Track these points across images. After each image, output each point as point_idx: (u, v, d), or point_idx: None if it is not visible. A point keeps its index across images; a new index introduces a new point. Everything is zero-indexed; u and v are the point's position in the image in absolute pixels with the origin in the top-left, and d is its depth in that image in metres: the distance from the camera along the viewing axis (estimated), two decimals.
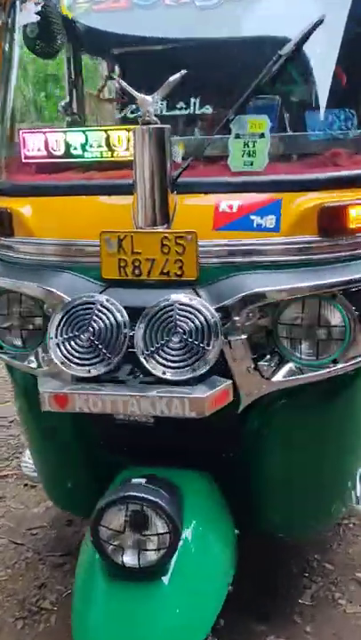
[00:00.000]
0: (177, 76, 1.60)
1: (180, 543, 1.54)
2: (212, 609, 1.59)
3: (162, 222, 1.63)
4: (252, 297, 1.59)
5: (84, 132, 1.83)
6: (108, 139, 1.80)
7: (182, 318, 1.53)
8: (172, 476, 1.71)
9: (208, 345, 1.51)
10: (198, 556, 1.63)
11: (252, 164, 1.68)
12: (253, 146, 1.68)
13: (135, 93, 1.59)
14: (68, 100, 2.83)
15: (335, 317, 1.62)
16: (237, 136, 1.69)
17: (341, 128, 1.77)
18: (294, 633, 2.14)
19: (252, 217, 1.63)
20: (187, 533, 1.59)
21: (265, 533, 1.99)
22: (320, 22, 1.64)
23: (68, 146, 1.84)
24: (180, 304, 1.54)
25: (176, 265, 1.63)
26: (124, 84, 1.67)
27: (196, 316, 1.53)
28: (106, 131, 1.81)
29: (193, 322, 1.52)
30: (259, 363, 1.65)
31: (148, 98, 1.58)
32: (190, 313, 1.53)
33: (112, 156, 1.79)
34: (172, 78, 1.60)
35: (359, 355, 1.66)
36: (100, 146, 1.82)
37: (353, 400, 1.82)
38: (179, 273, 1.63)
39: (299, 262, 1.64)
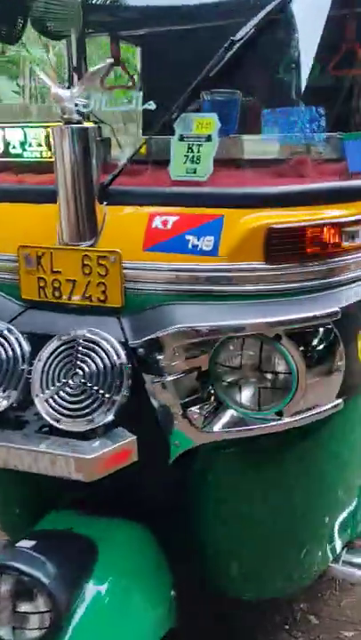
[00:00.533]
0: (101, 65, 1.35)
1: (84, 605, 1.34)
2: None
3: (88, 238, 1.41)
4: (179, 333, 1.33)
5: (22, 127, 1.62)
6: (48, 137, 1.58)
7: (84, 357, 1.30)
8: (95, 525, 1.50)
9: (110, 392, 1.28)
10: (109, 617, 1.42)
11: (195, 172, 1.41)
12: (198, 150, 1.40)
13: (52, 86, 1.35)
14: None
15: (280, 363, 1.34)
16: (181, 138, 1.42)
17: (306, 130, 1.45)
18: None
19: (188, 237, 1.36)
20: (93, 593, 1.38)
21: (216, 594, 1.75)
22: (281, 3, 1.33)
23: (6, 144, 1.64)
24: (84, 339, 1.31)
25: (99, 289, 1.40)
26: (43, 75, 1.43)
27: (99, 356, 1.29)
28: (46, 127, 1.59)
29: (95, 362, 1.29)
30: (191, 409, 1.40)
31: (66, 92, 1.34)
32: (93, 351, 1.30)
33: (49, 157, 1.57)
34: (94, 68, 1.35)
35: (310, 408, 1.37)
36: (39, 145, 1.61)
37: (312, 451, 1.53)
38: (102, 298, 1.40)
39: (240, 293, 1.36)
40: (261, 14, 1.33)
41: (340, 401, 1.40)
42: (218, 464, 1.52)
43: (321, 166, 1.43)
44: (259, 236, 1.32)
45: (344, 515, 1.76)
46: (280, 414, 1.36)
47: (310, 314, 1.32)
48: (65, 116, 1.35)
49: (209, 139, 1.39)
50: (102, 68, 1.35)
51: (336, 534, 1.78)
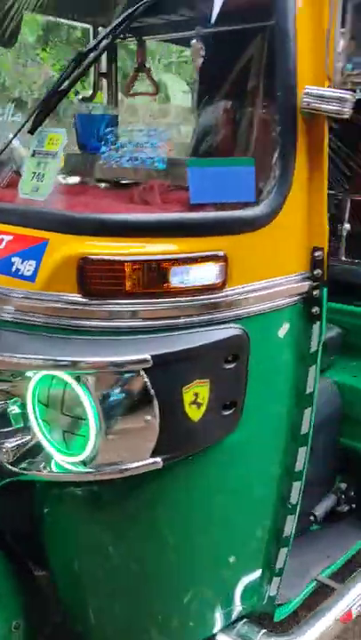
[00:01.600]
0: None
1: None
2: None
3: None
4: None
5: None
6: None
7: None
8: None
9: None
10: None
11: (37, 191, 1.31)
12: (44, 167, 1.31)
13: None
14: (90, 93, 2.60)
15: (77, 408, 1.20)
16: (33, 154, 1.34)
17: (148, 154, 1.28)
18: None
19: (14, 259, 1.28)
20: None
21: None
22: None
23: None
24: None
25: None
26: None
27: None
28: None
29: None
30: (4, 442, 1.31)
31: None
32: None
33: None
34: None
35: (116, 463, 1.21)
36: None
37: (145, 511, 1.36)
38: None
39: (51, 326, 1.24)
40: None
41: (157, 459, 1.22)
42: (51, 502, 1.41)
43: (170, 194, 1.25)
44: (72, 266, 1.19)
45: (216, 585, 1.55)
46: (84, 463, 1.23)
47: (112, 358, 1.17)
48: None
49: (54, 156, 1.29)
50: None
51: (212, 605, 1.58)
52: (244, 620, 1.66)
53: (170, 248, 1.18)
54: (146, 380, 1.17)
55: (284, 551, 1.61)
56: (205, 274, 1.21)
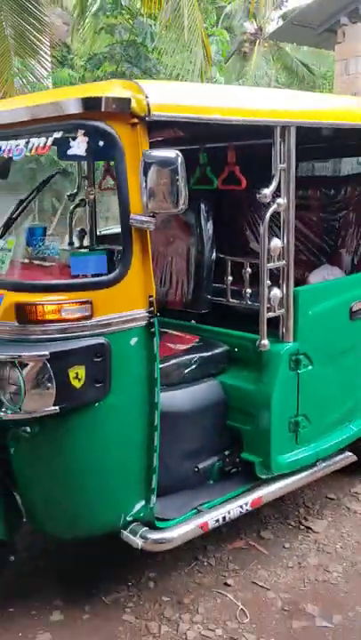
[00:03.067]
0: None
1: None
2: None
3: None
4: None
5: None
6: None
7: None
8: None
9: None
10: None
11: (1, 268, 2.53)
12: (4, 256, 2.53)
13: None
14: (75, 191, 3.88)
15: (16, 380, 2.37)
16: (1, 248, 2.56)
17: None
18: None
19: None
20: None
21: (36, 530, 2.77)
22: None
23: None
24: None
25: None
26: None
27: None
28: None
29: None
30: None
31: None
32: None
33: None
34: None
35: (35, 410, 2.37)
36: None
37: (59, 437, 2.49)
38: None
39: (4, 338, 2.43)
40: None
41: (56, 407, 2.37)
42: (11, 437, 2.57)
43: (63, 269, 2.44)
44: (12, 308, 2.38)
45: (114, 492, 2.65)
46: (20, 409, 2.39)
47: (29, 353, 2.33)
48: None
49: (10, 250, 2.51)
50: None
51: (119, 505, 2.66)
52: (135, 523, 2.74)
53: (61, 297, 2.36)
54: (47, 364, 2.32)
55: (154, 477, 2.69)
56: (80, 310, 2.38)
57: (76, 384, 2.39)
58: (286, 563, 3.21)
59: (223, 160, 3.34)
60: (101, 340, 2.42)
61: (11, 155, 2.67)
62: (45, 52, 10.10)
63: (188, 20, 6.97)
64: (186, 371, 3.11)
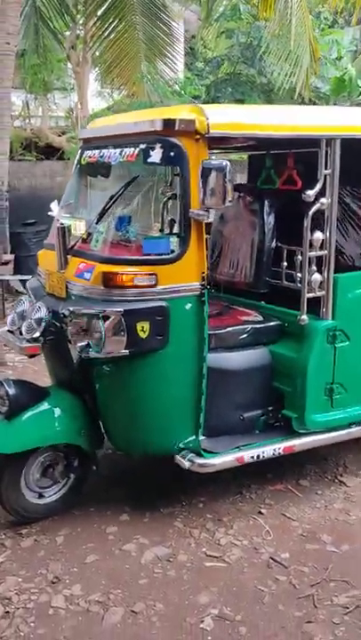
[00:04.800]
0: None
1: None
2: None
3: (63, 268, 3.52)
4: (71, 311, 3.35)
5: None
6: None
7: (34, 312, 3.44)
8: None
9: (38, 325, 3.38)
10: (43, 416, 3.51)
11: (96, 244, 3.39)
12: (98, 236, 3.39)
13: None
14: None
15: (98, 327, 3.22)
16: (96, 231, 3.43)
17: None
18: None
19: (85, 273, 3.35)
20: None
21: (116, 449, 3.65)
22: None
23: None
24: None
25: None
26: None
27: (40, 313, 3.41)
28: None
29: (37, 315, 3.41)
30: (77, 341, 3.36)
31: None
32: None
33: None
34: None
35: (111, 352, 3.21)
36: None
37: (133, 374, 3.31)
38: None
39: (92, 297, 3.29)
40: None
41: (126, 351, 3.20)
42: (95, 371, 3.43)
43: (138, 249, 3.26)
44: (100, 276, 3.24)
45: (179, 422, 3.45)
46: (100, 350, 3.24)
47: (107, 309, 3.17)
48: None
49: (102, 233, 3.37)
50: None
51: (174, 434, 3.46)
52: (186, 450, 3.52)
53: (135, 270, 3.18)
54: (121, 318, 3.15)
55: (201, 416, 3.45)
56: (148, 280, 3.18)
57: (142, 335, 3.19)
58: (315, 504, 3.84)
59: (284, 164, 4.00)
60: (163, 303, 3.21)
61: (110, 160, 3.52)
62: (173, 56, 10.98)
63: (296, 28, 7.51)
64: (240, 337, 3.81)
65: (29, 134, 12.28)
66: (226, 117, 3.33)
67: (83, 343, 3.27)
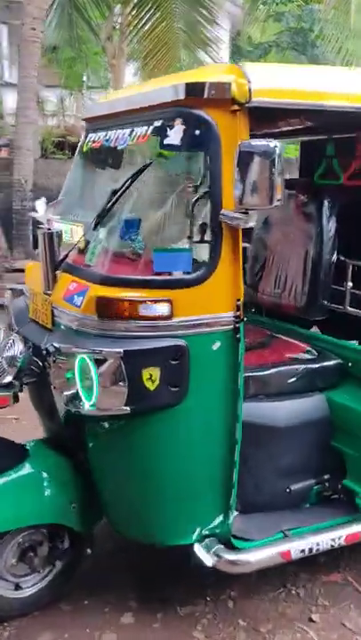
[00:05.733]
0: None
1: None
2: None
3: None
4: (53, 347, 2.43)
5: None
6: None
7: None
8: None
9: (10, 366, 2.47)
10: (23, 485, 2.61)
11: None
12: (95, 247, 2.47)
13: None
14: None
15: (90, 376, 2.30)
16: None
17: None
18: None
19: (75, 296, 2.44)
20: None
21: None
22: None
23: None
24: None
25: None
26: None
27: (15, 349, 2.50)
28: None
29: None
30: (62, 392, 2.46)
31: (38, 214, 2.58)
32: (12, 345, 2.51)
33: None
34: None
35: (108, 408, 2.28)
36: None
37: (146, 435, 2.37)
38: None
39: (82, 331, 2.37)
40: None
41: (126, 408, 2.27)
42: (88, 430, 2.51)
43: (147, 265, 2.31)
44: (92, 302, 2.31)
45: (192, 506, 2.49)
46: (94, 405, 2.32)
47: (100, 349, 2.24)
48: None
49: (100, 242, 2.44)
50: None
51: (193, 517, 2.52)
52: (211, 538, 2.57)
53: (141, 294, 2.24)
54: (120, 362, 2.23)
55: (233, 492, 2.50)
56: (159, 309, 2.25)
57: (150, 386, 2.26)
58: None
59: (352, 152, 3.01)
60: (180, 341, 2.27)
61: (117, 144, 2.61)
62: (216, 45, 10.09)
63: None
64: (289, 381, 2.86)
65: (62, 131, 11.58)
66: (277, 81, 2.37)
67: (70, 392, 2.36)
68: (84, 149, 2.98)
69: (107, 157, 2.90)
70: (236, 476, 2.49)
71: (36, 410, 2.95)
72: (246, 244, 3.64)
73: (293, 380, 2.86)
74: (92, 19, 10.87)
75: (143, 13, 9.41)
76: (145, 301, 2.25)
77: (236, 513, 2.62)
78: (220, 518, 2.55)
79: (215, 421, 2.41)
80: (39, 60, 8.19)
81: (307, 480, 2.87)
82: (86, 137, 2.99)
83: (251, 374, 2.66)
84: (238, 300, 2.31)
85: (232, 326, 2.32)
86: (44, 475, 2.67)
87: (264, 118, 2.48)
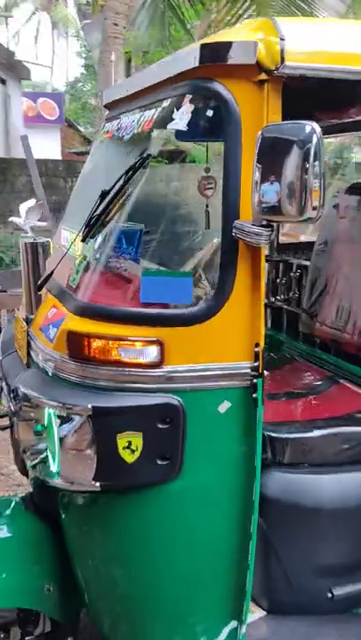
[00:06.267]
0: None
1: None
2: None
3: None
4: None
5: None
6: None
7: None
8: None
9: None
10: None
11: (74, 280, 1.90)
12: (77, 271, 1.89)
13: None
14: None
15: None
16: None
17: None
18: None
19: (50, 326, 1.88)
20: None
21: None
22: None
23: None
24: None
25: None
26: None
27: None
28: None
29: None
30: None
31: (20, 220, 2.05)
32: None
33: None
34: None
35: (72, 482, 1.70)
36: None
37: (128, 519, 1.77)
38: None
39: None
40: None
41: (96, 483, 1.67)
42: (61, 499, 1.95)
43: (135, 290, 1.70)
44: (64, 336, 1.74)
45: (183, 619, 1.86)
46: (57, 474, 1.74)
47: (68, 401, 1.66)
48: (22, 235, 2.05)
49: (84, 259, 1.87)
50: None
51: (192, 624, 1.89)
52: None
53: (121, 332, 1.64)
54: (88, 421, 1.64)
55: (246, 598, 1.84)
56: (144, 353, 1.63)
57: (127, 457, 1.66)
58: None
59: None
60: (172, 399, 1.65)
61: (124, 133, 2.04)
62: None
63: None
64: (345, 446, 2.15)
65: None
66: (326, 41, 1.68)
67: (36, 450, 1.80)
68: (101, 141, 2.43)
69: (122, 150, 2.33)
70: (251, 576, 1.83)
71: (15, 459, 2.42)
72: (306, 262, 2.96)
73: (354, 445, 2.15)
74: (187, 18, 10.44)
75: (236, 9, 8.81)
76: (124, 341, 1.64)
77: (258, 615, 1.96)
78: (231, 623, 1.90)
79: (221, 507, 1.76)
80: (121, 56, 7.80)
81: (357, 583, 2.15)
82: (103, 128, 2.44)
83: (291, 435, 2.00)
84: (257, 345, 1.65)
85: (248, 382, 1.67)
86: (15, 546, 2.12)
87: (307, 97, 1.80)
